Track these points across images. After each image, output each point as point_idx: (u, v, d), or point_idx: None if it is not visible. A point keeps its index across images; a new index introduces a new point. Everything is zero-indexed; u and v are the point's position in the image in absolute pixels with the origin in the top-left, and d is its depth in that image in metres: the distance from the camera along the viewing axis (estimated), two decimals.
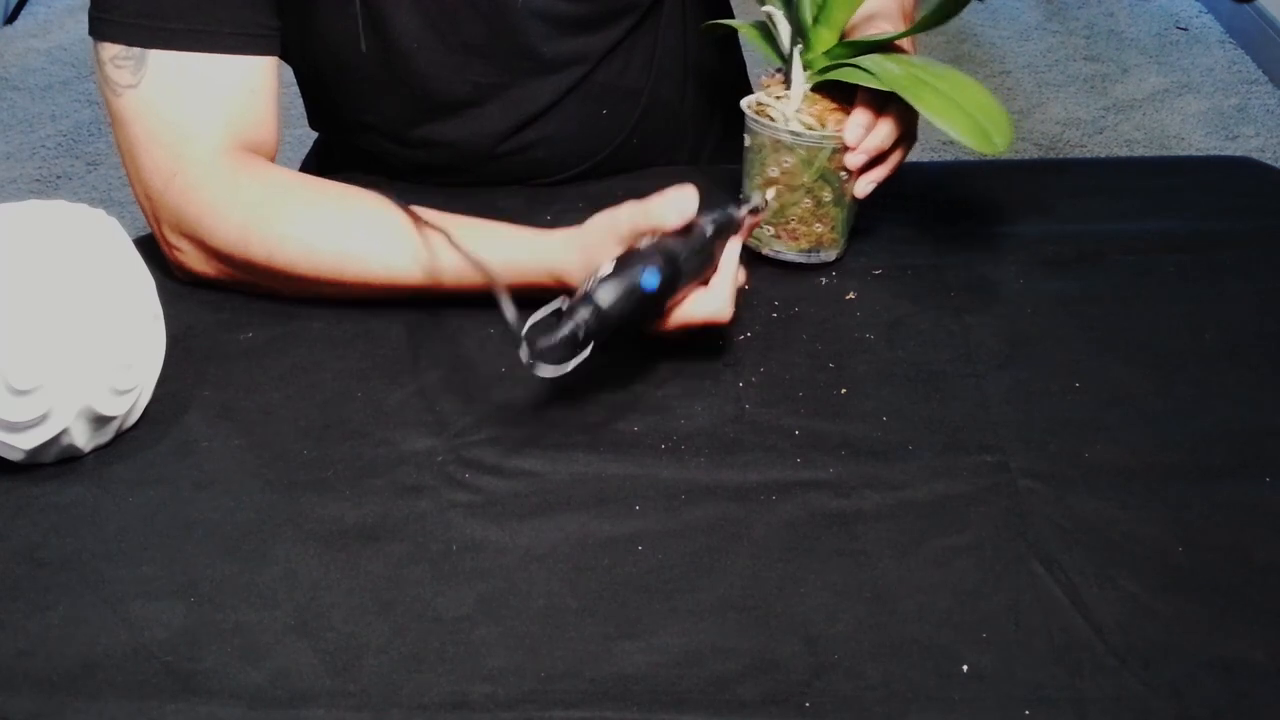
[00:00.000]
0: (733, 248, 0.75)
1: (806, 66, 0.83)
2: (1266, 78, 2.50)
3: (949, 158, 2.12)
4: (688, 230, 0.72)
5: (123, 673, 0.60)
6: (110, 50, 0.78)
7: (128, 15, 0.78)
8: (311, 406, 0.75)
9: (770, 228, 0.85)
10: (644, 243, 0.72)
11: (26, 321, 0.66)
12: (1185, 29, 2.72)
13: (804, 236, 0.85)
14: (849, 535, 0.67)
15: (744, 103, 0.84)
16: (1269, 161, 1.41)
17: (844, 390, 0.77)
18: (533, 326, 0.68)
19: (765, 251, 0.86)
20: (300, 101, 0.99)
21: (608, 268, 0.70)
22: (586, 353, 0.69)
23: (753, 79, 1.07)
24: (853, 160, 0.81)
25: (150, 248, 0.83)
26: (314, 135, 1.07)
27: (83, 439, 0.70)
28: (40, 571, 0.65)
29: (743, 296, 0.81)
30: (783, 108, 0.83)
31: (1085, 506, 0.68)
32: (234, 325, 0.82)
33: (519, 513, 0.68)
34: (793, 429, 0.73)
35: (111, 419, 0.71)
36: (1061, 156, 2.25)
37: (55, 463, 0.71)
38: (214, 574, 0.65)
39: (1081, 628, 0.61)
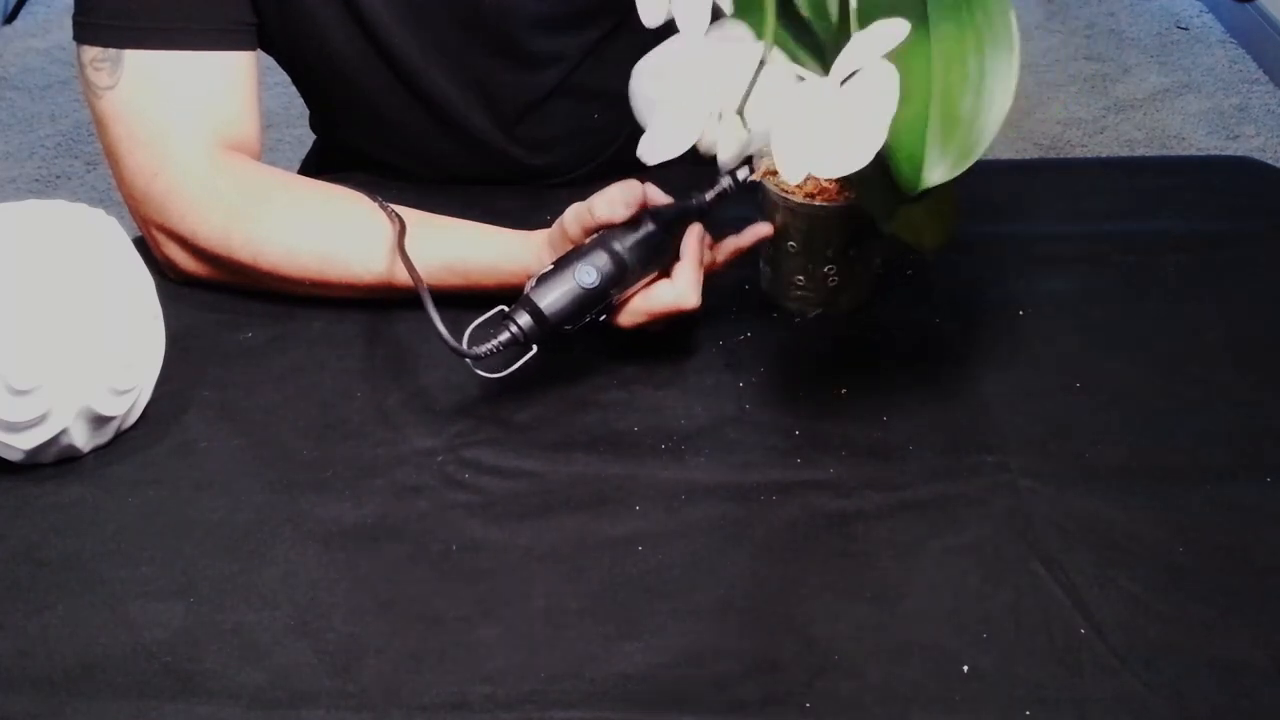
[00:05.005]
0: (694, 234, 0.75)
1: None
2: (1267, 77, 2.50)
3: None
4: (635, 223, 0.73)
5: (122, 673, 0.60)
6: (89, 53, 0.79)
7: (103, 17, 0.78)
8: (311, 406, 0.75)
9: (814, 293, 0.82)
10: (590, 239, 0.73)
11: (26, 321, 0.65)
12: (1186, 28, 2.72)
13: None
14: (849, 536, 0.67)
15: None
16: (1270, 161, 1.41)
17: (844, 390, 0.76)
18: (479, 327, 0.69)
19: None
20: (300, 101, 0.99)
21: (548, 267, 0.71)
22: (532, 353, 0.70)
23: None
24: None
25: (148, 247, 0.83)
26: (314, 135, 1.07)
27: (82, 439, 0.70)
28: (40, 572, 0.65)
29: (742, 284, 0.80)
30: None
31: (1086, 507, 0.68)
32: (233, 325, 0.82)
33: (519, 513, 0.68)
34: (793, 429, 0.73)
35: (111, 419, 0.71)
36: (1062, 156, 2.25)
37: (54, 463, 0.71)
38: (214, 574, 0.65)
39: (1082, 628, 0.61)
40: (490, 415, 0.74)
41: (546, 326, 0.70)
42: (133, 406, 0.72)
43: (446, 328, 0.68)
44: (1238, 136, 2.31)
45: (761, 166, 0.77)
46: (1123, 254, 0.89)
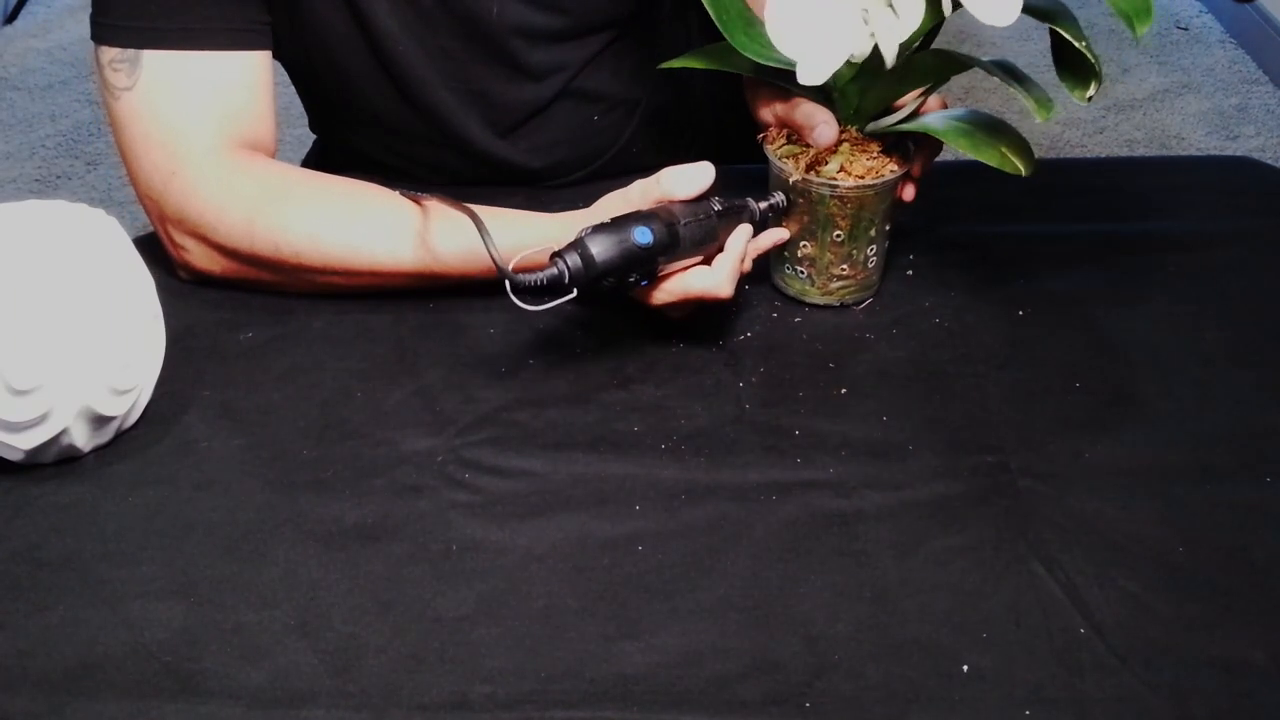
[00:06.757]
0: (743, 231, 0.77)
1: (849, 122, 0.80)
2: (1267, 77, 2.50)
3: (949, 158, 2.11)
4: (695, 204, 0.75)
5: (122, 673, 0.60)
6: (108, 54, 0.79)
7: (122, 18, 0.78)
8: (311, 406, 0.75)
9: (855, 279, 0.83)
10: (650, 207, 0.75)
11: (26, 321, 0.65)
12: (1186, 28, 2.72)
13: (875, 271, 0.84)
14: (849, 535, 0.67)
15: (807, 177, 0.78)
16: (1269, 161, 1.41)
17: (844, 390, 0.76)
18: (523, 261, 0.71)
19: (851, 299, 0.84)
20: (300, 102, 0.99)
21: (606, 220, 0.72)
22: (570, 296, 0.71)
23: None
24: (910, 192, 0.84)
25: (150, 247, 0.83)
26: (314, 135, 1.07)
27: (82, 439, 0.70)
28: (40, 572, 0.65)
29: (743, 283, 0.81)
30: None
31: (1085, 506, 0.68)
32: (234, 325, 0.82)
33: (519, 513, 0.68)
34: (793, 429, 0.73)
35: (111, 419, 0.71)
36: (1062, 156, 2.25)
37: (55, 463, 0.71)
38: (214, 574, 0.65)
39: (1082, 628, 0.61)
40: (490, 415, 0.74)
41: (592, 273, 0.70)
42: (133, 406, 0.72)
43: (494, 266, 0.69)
44: (1237, 137, 2.31)
45: (803, 163, 0.79)
46: (1123, 254, 0.89)
